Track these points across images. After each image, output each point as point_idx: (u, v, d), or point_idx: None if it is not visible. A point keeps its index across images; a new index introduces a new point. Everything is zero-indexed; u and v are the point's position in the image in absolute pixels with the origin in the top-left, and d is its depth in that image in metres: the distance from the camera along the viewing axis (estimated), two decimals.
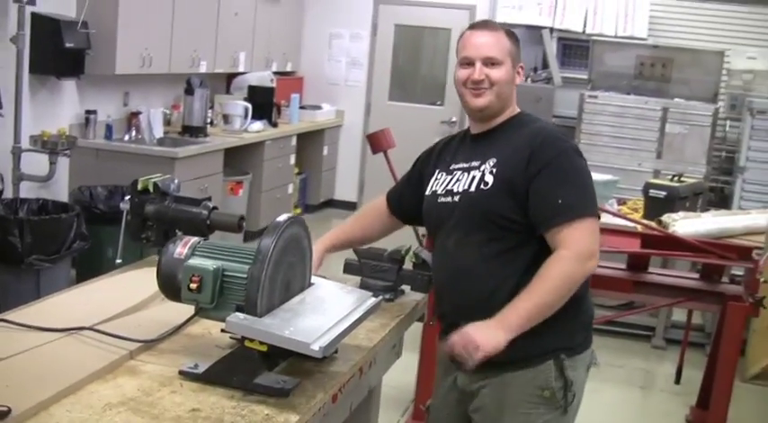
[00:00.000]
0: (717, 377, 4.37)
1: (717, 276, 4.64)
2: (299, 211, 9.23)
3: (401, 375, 4.46)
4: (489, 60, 2.56)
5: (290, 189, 8.93)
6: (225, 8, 7.83)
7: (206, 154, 6.95)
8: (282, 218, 2.24)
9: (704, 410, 4.63)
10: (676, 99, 7.82)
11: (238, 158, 7.77)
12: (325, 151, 9.78)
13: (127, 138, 6.82)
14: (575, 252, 2.41)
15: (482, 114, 2.63)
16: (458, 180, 2.60)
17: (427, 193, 2.71)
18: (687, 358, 5.01)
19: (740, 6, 8.39)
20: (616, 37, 8.39)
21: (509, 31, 2.66)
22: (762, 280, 4.32)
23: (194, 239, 2.33)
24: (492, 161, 2.54)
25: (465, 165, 2.61)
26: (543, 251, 2.46)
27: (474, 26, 2.67)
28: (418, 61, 10.29)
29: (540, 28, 8.48)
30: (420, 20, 9.87)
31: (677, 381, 4.92)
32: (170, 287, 2.29)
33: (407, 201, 2.89)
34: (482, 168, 2.55)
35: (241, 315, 2.10)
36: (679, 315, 6.32)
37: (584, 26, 8.53)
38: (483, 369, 2.44)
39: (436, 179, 2.69)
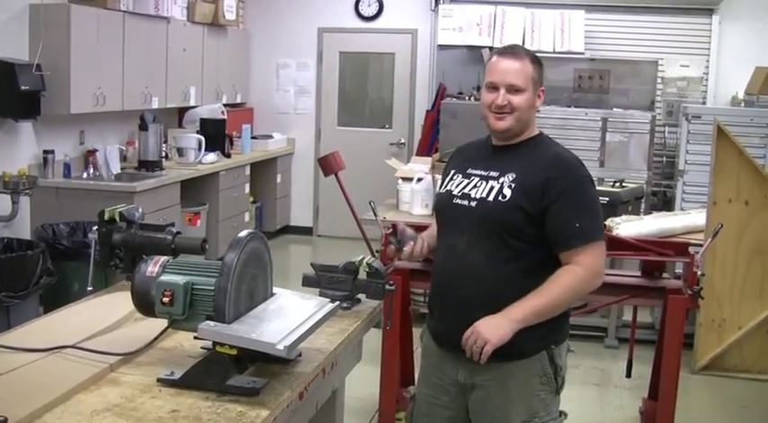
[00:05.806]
0: (663, 367, 4.59)
1: (658, 273, 4.87)
2: None
3: (363, 387, 4.67)
4: (512, 87, 2.78)
5: (247, 217, 9.10)
6: (173, 44, 8.01)
7: (163, 187, 7.11)
8: (243, 234, 2.45)
9: (655, 401, 4.86)
10: (615, 109, 8.07)
11: (195, 190, 7.94)
12: (279, 179, 9.98)
13: (85, 175, 6.98)
14: (587, 270, 2.69)
15: (503, 136, 2.85)
16: (475, 186, 2.80)
17: (441, 190, 2.93)
18: (639, 355, 5.20)
19: (671, 17, 8.77)
20: (554, 52, 8.64)
21: (534, 56, 2.84)
22: (699, 273, 4.58)
23: (164, 258, 2.53)
24: (511, 176, 2.75)
25: (483, 173, 2.82)
26: (547, 259, 2.73)
27: (501, 52, 2.88)
28: (365, 86, 10.51)
29: (480, 47, 8.75)
30: (364, 46, 10.08)
31: (628, 374, 5.13)
32: (144, 303, 2.48)
33: None
34: (501, 180, 2.76)
35: (211, 323, 2.31)
36: (629, 315, 6.58)
37: (523, 43, 8.78)
38: (485, 363, 2.69)
39: (452, 179, 2.90)
